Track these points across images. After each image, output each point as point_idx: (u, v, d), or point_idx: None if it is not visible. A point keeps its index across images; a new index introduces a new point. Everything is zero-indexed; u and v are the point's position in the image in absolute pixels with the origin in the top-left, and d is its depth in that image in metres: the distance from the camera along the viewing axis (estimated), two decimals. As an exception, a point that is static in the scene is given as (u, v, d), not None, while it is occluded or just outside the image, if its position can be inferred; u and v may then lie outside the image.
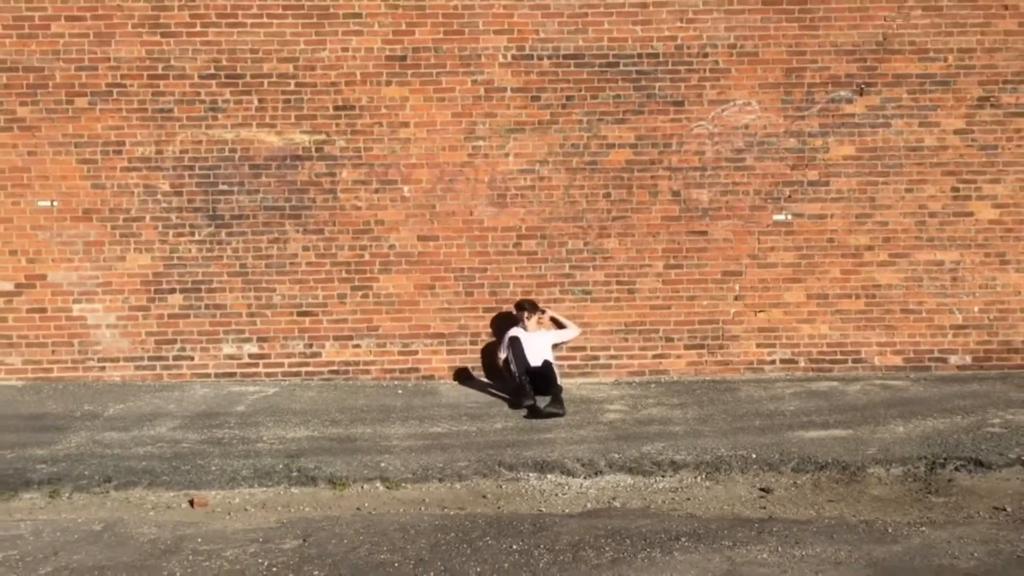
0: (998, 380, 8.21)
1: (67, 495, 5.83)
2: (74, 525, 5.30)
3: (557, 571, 4.50)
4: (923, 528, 5.11)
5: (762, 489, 5.88)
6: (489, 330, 8.41)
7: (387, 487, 5.92)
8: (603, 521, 5.27)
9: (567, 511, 5.54)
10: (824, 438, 6.62)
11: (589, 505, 5.66)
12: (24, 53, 8.15)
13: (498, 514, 5.44)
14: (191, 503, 5.73)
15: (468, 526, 5.16)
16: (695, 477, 6.04)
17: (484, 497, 5.81)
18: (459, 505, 5.66)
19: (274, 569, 4.58)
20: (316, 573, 4.52)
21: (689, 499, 5.74)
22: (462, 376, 8.40)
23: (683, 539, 4.88)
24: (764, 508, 5.57)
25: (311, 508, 5.63)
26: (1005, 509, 5.48)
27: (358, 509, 5.58)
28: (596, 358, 8.50)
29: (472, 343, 8.46)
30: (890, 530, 5.06)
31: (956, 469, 6.08)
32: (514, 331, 7.96)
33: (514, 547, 4.81)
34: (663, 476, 6.04)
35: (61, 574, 4.58)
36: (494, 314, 8.41)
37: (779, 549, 4.73)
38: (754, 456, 6.23)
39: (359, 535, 5.03)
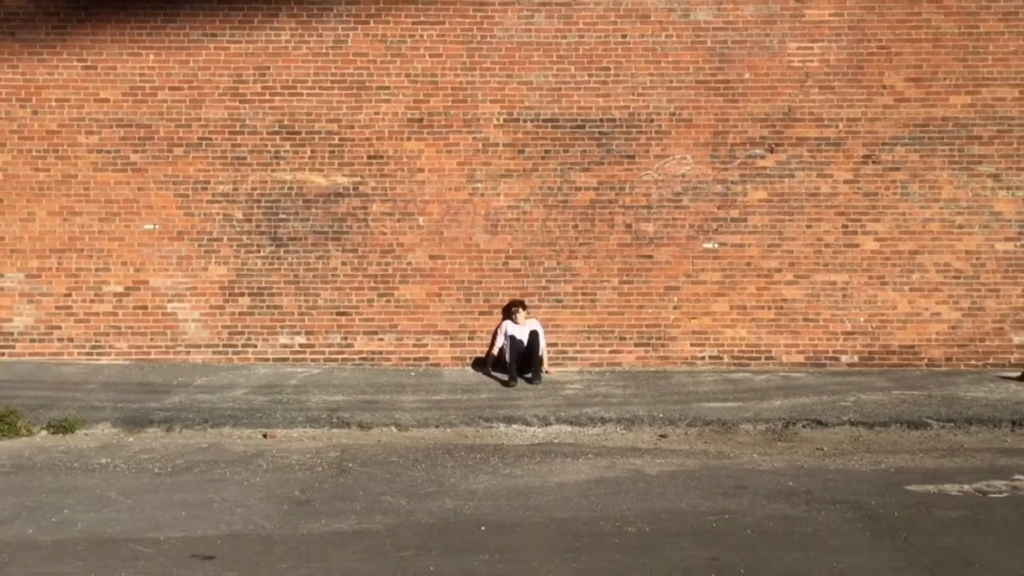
0: (876, 375, 10.58)
1: (178, 430, 8.41)
2: (187, 444, 7.91)
3: (502, 465, 7.06)
4: (755, 456, 7.57)
5: (660, 435, 8.34)
6: (484, 329, 10.94)
7: (399, 430, 8.45)
8: (542, 447, 7.80)
9: (520, 443, 8.05)
10: (719, 407, 9.06)
11: (536, 441, 8.15)
12: (137, 114, 10.86)
13: (473, 443, 7.98)
14: (264, 436, 8.29)
15: (451, 448, 7.72)
16: (616, 427, 8.51)
17: (465, 437, 8.32)
18: (447, 440, 8.17)
19: (324, 463, 7.17)
20: (349, 464, 7.11)
21: (607, 440, 8.22)
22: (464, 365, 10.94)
23: (589, 455, 7.41)
24: (656, 445, 8.04)
25: (346, 440, 8.16)
26: (823, 449, 7.90)
27: (378, 441, 8.11)
28: (565, 352, 11.00)
29: (470, 339, 11.00)
30: (731, 455, 7.54)
31: (803, 426, 8.51)
32: (510, 327, 10.41)
33: (478, 456, 7.38)
34: (593, 427, 8.52)
35: (189, 462, 7.19)
36: (487, 317, 10.95)
37: (648, 459, 7.25)
38: (661, 416, 8.69)
39: (377, 450, 7.61)
